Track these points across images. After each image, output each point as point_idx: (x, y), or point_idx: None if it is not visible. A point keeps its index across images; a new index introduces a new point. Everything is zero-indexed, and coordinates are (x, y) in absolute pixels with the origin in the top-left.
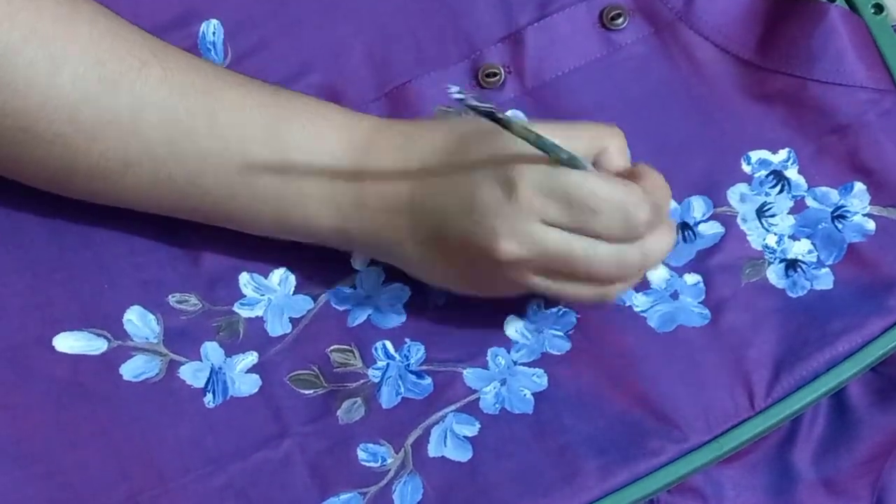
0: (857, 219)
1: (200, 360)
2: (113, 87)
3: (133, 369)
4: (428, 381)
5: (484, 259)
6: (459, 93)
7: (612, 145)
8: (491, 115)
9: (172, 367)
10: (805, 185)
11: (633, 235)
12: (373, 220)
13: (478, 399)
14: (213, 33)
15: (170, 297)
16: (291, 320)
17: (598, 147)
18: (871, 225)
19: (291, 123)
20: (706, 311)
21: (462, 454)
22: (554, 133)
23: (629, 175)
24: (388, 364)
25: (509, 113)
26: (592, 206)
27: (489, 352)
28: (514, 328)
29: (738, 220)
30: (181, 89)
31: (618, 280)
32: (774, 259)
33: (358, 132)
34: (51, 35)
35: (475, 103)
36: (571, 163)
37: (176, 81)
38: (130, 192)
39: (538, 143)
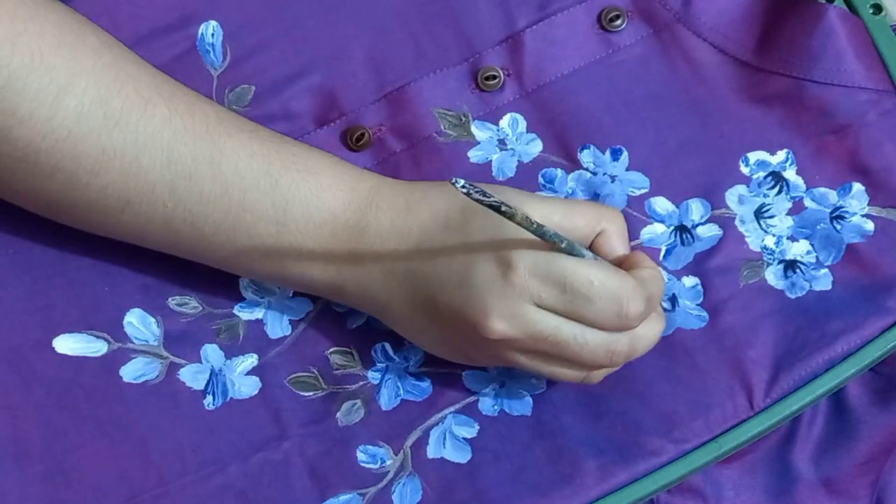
0: (856, 219)
1: (200, 363)
2: (116, 125)
3: (133, 371)
4: (427, 382)
5: (473, 333)
6: (465, 186)
7: (611, 228)
8: (496, 208)
9: (172, 369)
10: (804, 186)
11: (625, 326)
12: (368, 280)
13: (477, 401)
14: (213, 35)
15: (170, 300)
16: (291, 322)
17: (597, 228)
18: (869, 226)
19: (293, 176)
20: (704, 314)
21: (461, 456)
22: (554, 211)
23: (626, 261)
24: (387, 366)
25: (506, 119)
26: (586, 293)
27: None
28: None
29: (737, 222)
30: (185, 132)
31: (602, 367)
32: (773, 260)
33: (360, 191)
34: (54, 63)
35: (480, 196)
36: (570, 250)
37: (179, 123)
38: (128, 228)
39: (538, 231)
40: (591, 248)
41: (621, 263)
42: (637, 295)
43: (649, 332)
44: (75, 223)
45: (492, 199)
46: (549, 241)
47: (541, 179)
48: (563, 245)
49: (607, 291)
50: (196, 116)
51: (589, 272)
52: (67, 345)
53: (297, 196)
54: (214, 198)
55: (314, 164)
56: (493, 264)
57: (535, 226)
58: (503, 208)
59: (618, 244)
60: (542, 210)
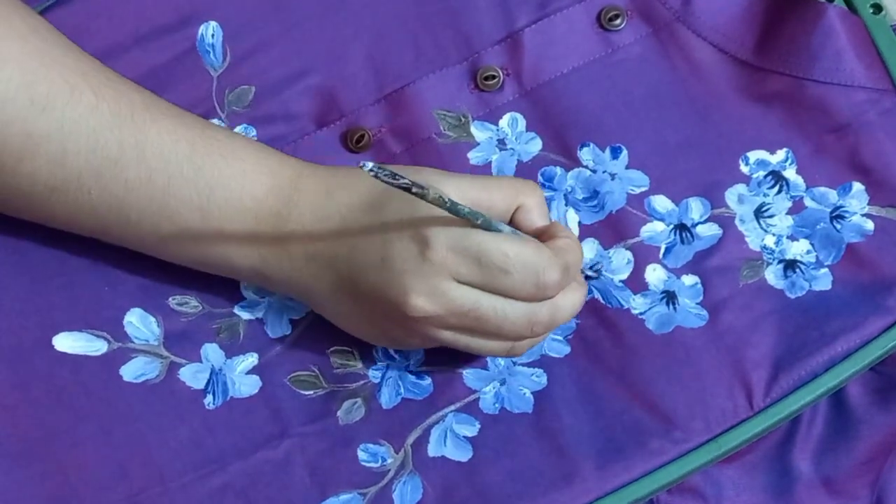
0: (856, 219)
1: (200, 362)
2: (42, 111)
3: (133, 371)
4: (428, 381)
5: (396, 313)
6: (373, 168)
7: (530, 201)
8: (407, 189)
9: (173, 368)
10: (803, 186)
11: (543, 296)
12: (292, 266)
13: (477, 399)
14: (212, 35)
15: (170, 299)
16: (291, 322)
17: (515, 202)
18: (869, 225)
19: (217, 162)
20: (704, 312)
21: (462, 454)
22: (472, 187)
23: (544, 233)
24: (387, 364)
25: (505, 119)
26: (503, 266)
27: None
28: None
29: (737, 221)
30: (111, 118)
31: (525, 337)
32: (773, 260)
33: (282, 177)
34: None
35: (390, 179)
36: (486, 226)
37: (106, 109)
38: (56, 215)
39: (453, 209)
40: (511, 222)
41: (540, 235)
42: (553, 264)
43: (569, 300)
44: (5, 210)
45: (402, 180)
46: (464, 217)
47: (540, 178)
48: (479, 221)
49: (523, 263)
50: (122, 102)
51: (504, 245)
52: (67, 343)
53: (220, 182)
54: (139, 184)
55: (238, 150)
56: (410, 243)
57: (448, 203)
58: (414, 189)
59: (537, 217)
60: (459, 188)
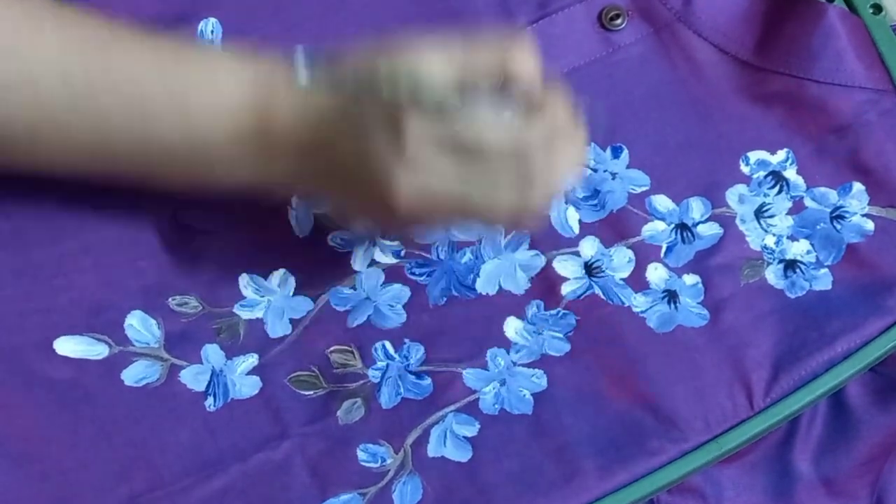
0: (856, 219)
1: (201, 363)
2: (9, 54)
3: (134, 374)
4: (427, 381)
5: (386, 209)
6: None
7: (519, 68)
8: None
9: (173, 371)
10: (804, 186)
11: (530, 181)
12: (282, 166)
13: (477, 399)
14: (212, 32)
15: (170, 299)
16: (291, 321)
17: (503, 66)
18: (869, 225)
19: (190, 76)
20: (705, 312)
21: (462, 454)
22: (453, 57)
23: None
24: (387, 364)
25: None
26: (481, 155)
27: (489, 352)
28: (513, 329)
29: (737, 221)
30: (77, 48)
31: (523, 213)
32: (773, 259)
33: (258, 85)
34: None
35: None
36: (462, 112)
37: (72, 40)
38: (43, 159)
39: (425, 100)
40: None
41: (534, 100)
42: (533, 148)
43: (565, 160)
44: None
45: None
46: (435, 109)
47: None
48: (453, 110)
49: (503, 151)
50: (86, 31)
51: (481, 134)
52: (69, 347)
53: (195, 97)
54: (116, 111)
55: (210, 61)
56: (385, 140)
57: (417, 97)
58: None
59: (528, 74)
60: (440, 62)
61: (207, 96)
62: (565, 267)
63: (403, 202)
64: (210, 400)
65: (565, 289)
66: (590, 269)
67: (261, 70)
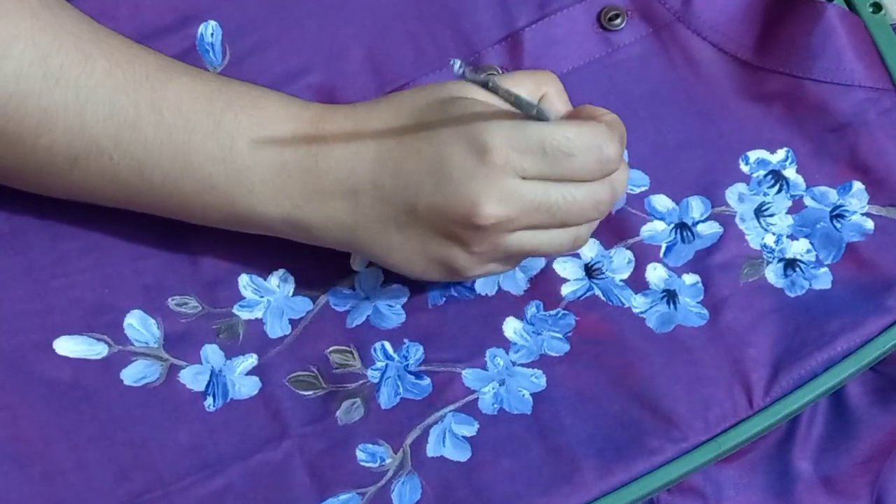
0: (856, 218)
1: (200, 363)
2: (57, 83)
3: (133, 374)
4: (427, 381)
5: (463, 228)
6: (462, 66)
7: (551, 90)
8: (485, 85)
9: (173, 371)
10: (803, 185)
11: (607, 170)
12: (330, 208)
13: (476, 399)
14: (212, 34)
15: (169, 300)
16: (291, 322)
17: (539, 94)
18: (869, 224)
19: (237, 112)
20: (704, 311)
21: (461, 454)
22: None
23: (581, 113)
24: (386, 364)
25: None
26: (566, 150)
27: (488, 352)
28: (512, 329)
29: (737, 220)
30: (125, 82)
31: (591, 220)
32: (773, 259)
33: (305, 120)
34: None
35: (475, 77)
36: (540, 115)
37: (120, 74)
38: (80, 186)
39: (518, 103)
40: None
41: (576, 118)
42: (611, 137)
43: (622, 175)
44: (29, 186)
45: (483, 77)
46: (525, 110)
47: None
48: (535, 112)
49: (585, 143)
50: (136, 66)
51: (562, 130)
52: (68, 347)
53: (240, 132)
54: (159, 144)
55: (257, 99)
56: (467, 151)
57: (514, 98)
58: (490, 85)
59: (561, 104)
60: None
61: (253, 134)
62: (565, 268)
63: (491, 211)
64: (209, 400)
65: (565, 290)
66: (590, 270)
67: (308, 111)
